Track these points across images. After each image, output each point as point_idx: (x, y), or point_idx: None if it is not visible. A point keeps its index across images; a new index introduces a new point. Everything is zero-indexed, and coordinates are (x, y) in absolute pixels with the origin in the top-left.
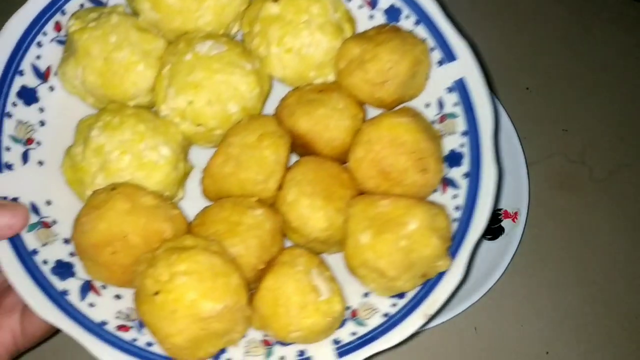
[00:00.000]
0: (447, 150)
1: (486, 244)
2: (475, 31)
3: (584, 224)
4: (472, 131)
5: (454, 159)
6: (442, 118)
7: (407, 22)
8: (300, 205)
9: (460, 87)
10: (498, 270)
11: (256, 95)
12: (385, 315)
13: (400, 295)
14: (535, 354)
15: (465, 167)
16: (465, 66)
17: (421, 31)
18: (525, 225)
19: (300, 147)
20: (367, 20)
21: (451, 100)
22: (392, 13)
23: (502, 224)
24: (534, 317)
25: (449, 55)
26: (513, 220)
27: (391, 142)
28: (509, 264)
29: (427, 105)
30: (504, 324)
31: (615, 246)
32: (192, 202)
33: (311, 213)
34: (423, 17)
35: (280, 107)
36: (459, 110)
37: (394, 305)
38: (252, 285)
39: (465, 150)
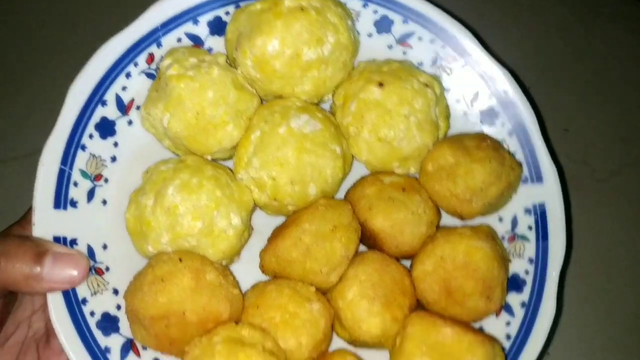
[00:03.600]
0: (510, 272)
1: None
2: (476, 30)
3: (585, 224)
4: (541, 261)
5: (515, 283)
6: (512, 238)
7: (501, 129)
8: (359, 307)
9: (539, 211)
10: None
11: (338, 180)
12: None
13: None
14: None
15: (525, 295)
16: (550, 192)
17: (513, 143)
18: None
19: (368, 239)
20: (461, 116)
21: (526, 223)
22: (489, 115)
23: None
24: None
25: (535, 176)
26: None
27: (465, 266)
28: None
29: (500, 220)
30: None
31: (616, 246)
32: (245, 266)
33: (368, 317)
34: (519, 130)
35: (357, 194)
36: (531, 235)
37: None
38: None
39: (529, 279)
